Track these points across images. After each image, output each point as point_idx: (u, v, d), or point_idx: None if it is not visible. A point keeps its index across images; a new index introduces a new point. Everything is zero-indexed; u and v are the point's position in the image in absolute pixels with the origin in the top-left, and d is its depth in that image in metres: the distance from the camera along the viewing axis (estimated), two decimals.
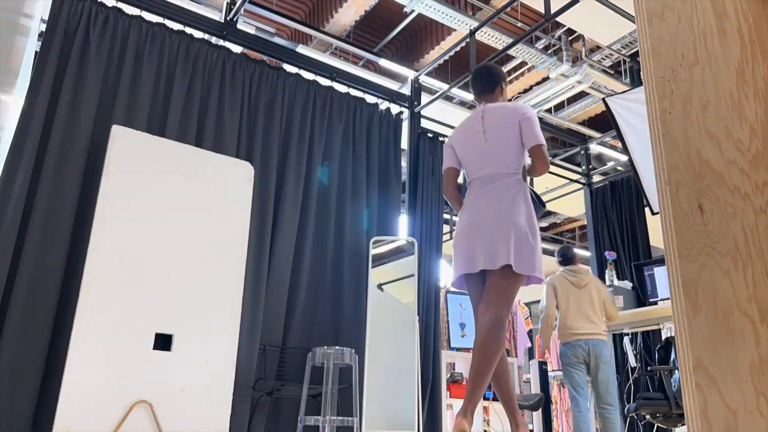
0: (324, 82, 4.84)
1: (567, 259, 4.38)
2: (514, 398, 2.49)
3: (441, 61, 6.35)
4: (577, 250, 12.50)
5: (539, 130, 2.60)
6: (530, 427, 6.52)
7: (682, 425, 4.23)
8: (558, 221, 11.11)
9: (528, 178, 2.64)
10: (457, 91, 5.80)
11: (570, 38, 6.57)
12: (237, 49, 4.47)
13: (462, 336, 5.84)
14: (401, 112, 5.29)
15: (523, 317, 6.51)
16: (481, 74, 2.79)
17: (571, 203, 8.76)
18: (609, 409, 3.91)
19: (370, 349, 4.12)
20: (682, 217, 0.89)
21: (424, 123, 5.55)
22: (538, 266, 2.44)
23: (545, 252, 12.02)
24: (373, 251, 4.36)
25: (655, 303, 4.75)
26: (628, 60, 6.66)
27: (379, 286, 4.52)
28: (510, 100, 7.76)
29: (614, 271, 5.06)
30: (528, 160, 2.63)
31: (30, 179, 3.34)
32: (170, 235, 3.26)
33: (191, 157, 3.44)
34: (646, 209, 5.88)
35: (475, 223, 2.52)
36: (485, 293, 2.47)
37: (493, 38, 6.19)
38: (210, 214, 3.42)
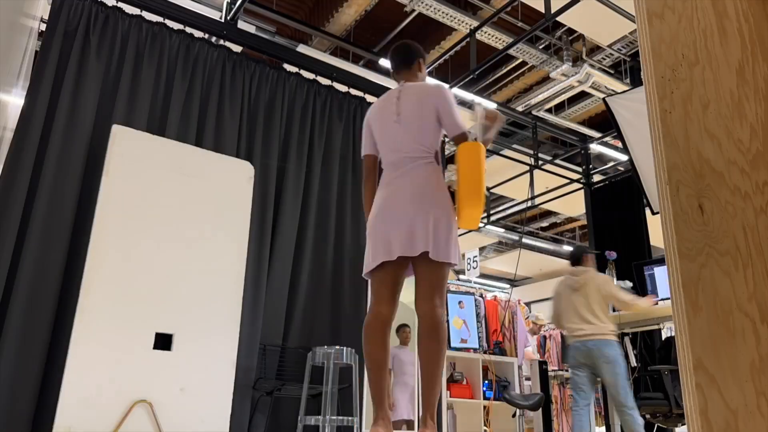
0: (324, 81, 4.84)
1: (572, 260, 4.32)
2: (434, 394, 2.28)
3: (441, 61, 6.35)
4: None
5: (458, 115, 2.48)
6: (530, 426, 6.51)
7: (682, 425, 4.23)
8: (558, 221, 11.11)
9: (441, 161, 2.54)
10: (457, 91, 5.80)
11: (570, 38, 6.57)
12: (237, 48, 4.47)
13: (462, 341, 5.85)
14: None
15: (523, 317, 6.51)
16: (398, 49, 2.68)
17: (571, 203, 8.76)
18: (624, 410, 3.80)
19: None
20: (682, 216, 0.89)
21: None
22: (453, 253, 2.34)
23: (545, 252, 12.03)
24: None
25: (655, 303, 4.74)
26: (628, 60, 6.66)
27: None
28: (509, 101, 7.75)
29: (614, 271, 5.06)
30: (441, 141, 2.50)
31: (30, 179, 3.34)
32: (170, 234, 3.26)
33: (191, 157, 3.44)
34: (646, 209, 5.87)
35: (390, 209, 2.39)
36: (418, 288, 2.36)
37: (493, 38, 6.19)
38: (210, 213, 3.42)
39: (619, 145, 7.07)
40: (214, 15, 4.76)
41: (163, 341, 3.12)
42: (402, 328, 4.63)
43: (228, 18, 4.46)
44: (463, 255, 11.05)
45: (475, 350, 5.78)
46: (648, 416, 4.17)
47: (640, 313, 4.55)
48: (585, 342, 3.95)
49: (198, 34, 4.34)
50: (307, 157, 4.51)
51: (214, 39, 4.40)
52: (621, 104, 4.72)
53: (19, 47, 3.59)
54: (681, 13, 0.98)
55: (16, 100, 3.65)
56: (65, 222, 3.37)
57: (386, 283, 2.41)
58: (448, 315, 5.81)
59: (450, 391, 5.46)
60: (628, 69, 6.88)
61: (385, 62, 6.14)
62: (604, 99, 4.77)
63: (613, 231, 6.13)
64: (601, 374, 3.92)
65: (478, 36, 6.00)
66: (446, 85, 2.51)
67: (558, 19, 4.75)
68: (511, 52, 6.50)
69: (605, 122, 7.98)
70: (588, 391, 4.04)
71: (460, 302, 5.98)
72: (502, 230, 10.55)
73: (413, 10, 6.08)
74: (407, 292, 4.71)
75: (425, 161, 2.46)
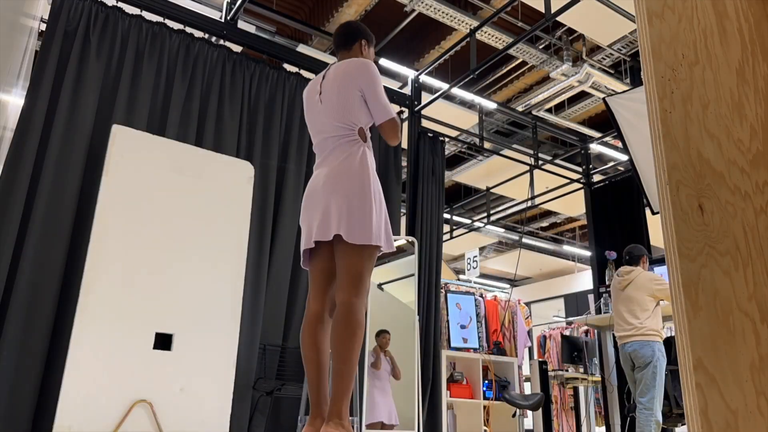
0: None
1: (627, 259, 4.24)
2: (340, 388, 2.06)
3: (441, 61, 6.35)
4: (577, 250, 12.35)
5: (384, 97, 2.29)
6: (530, 427, 6.51)
7: (682, 425, 4.23)
8: (558, 221, 11.11)
9: (368, 138, 2.35)
10: (457, 91, 5.80)
11: (570, 38, 6.57)
12: (237, 48, 4.47)
13: (462, 340, 5.84)
14: (402, 112, 5.29)
15: (523, 317, 6.51)
16: (338, 29, 2.52)
17: (571, 203, 8.76)
18: (639, 407, 3.79)
19: (370, 349, 4.12)
20: (682, 216, 0.89)
21: (425, 123, 5.55)
22: (375, 233, 2.13)
23: (545, 252, 12.03)
24: None
25: None
26: (628, 59, 6.66)
27: (379, 286, 4.53)
28: (509, 101, 7.74)
29: (614, 271, 5.06)
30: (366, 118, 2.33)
31: (30, 179, 3.34)
32: (170, 234, 3.26)
33: (191, 157, 3.44)
34: (646, 209, 5.87)
35: (309, 196, 2.27)
36: (337, 276, 2.18)
37: (493, 38, 6.19)
38: (210, 213, 3.42)
39: (619, 145, 7.07)
40: (214, 15, 4.76)
41: (163, 341, 3.12)
42: (381, 334, 4.65)
43: (228, 18, 4.46)
44: (463, 255, 11.04)
45: (475, 350, 5.78)
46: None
47: None
48: (623, 345, 3.94)
49: (198, 34, 4.34)
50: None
51: (214, 39, 4.40)
52: (621, 104, 4.71)
53: (19, 47, 3.59)
54: (681, 13, 0.98)
55: (16, 100, 3.64)
56: (65, 222, 3.37)
57: (314, 278, 2.26)
58: (447, 315, 5.81)
59: (450, 391, 5.46)
60: (628, 69, 6.88)
61: (384, 62, 6.14)
62: (604, 99, 4.77)
63: (613, 231, 6.12)
64: (637, 374, 3.88)
65: (478, 36, 6.00)
66: (370, 62, 2.32)
67: (558, 18, 4.75)
68: (511, 52, 6.49)
69: (605, 122, 7.98)
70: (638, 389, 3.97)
71: (457, 303, 5.98)
72: (502, 230, 10.55)
73: (413, 10, 6.08)
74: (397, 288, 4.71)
75: (346, 139, 2.28)
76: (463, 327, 5.87)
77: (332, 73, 2.37)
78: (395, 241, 4.49)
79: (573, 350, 5.89)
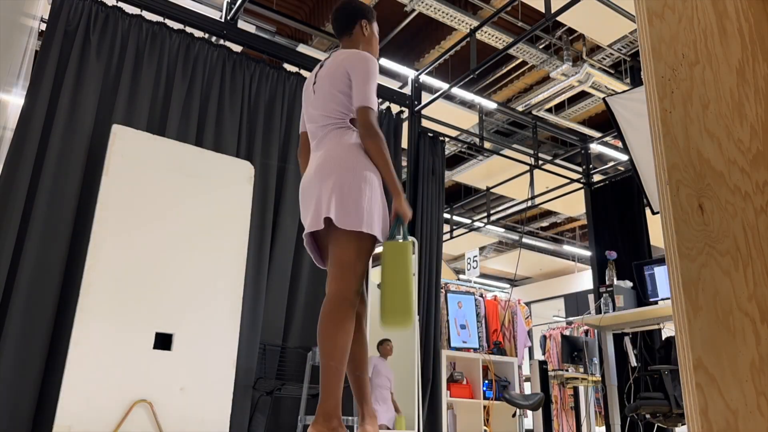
0: None
1: None
2: (364, 387, 2.06)
3: (441, 61, 6.35)
4: (577, 250, 12.39)
5: (369, 84, 2.12)
6: (530, 427, 6.51)
7: (682, 425, 4.23)
8: (558, 221, 11.11)
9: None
10: (457, 91, 5.80)
11: (570, 38, 6.56)
12: (237, 48, 4.47)
13: (461, 339, 5.84)
14: (402, 112, 5.28)
15: (523, 317, 6.51)
16: (336, 13, 2.35)
17: (571, 203, 8.76)
18: None
19: (370, 349, 4.12)
20: (682, 216, 0.89)
21: (425, 122, 5.55)
22: (366, 220, 1.97)
23: (545, 252, 12.03)
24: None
25: (656, 303, 4.74)
26: (628, 59, 6.66)
27: (379, 286, 4.52)
28: (509, 101, 7.75)
29: (614, 271, 5.06)
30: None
31: (30, 179, 3.34)
32: (170, 234, 3.26)
33: (191, 157, 3.44)
34: (647, 209, 5.87)
35: (302, 187, 2.16)
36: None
37: (493, 38, 6.19)
38: (210, 213, 3.42)
39: (619, 145, 7.07)
40: (214, 15, 4.76)
41: (163, 341, 3.12)
42: (384, 343, 4.65)
43: (228, 18, 4.46)
44: (463, 255, 11.04)
45: (475, 350, 5.78)
46: (648, 416, 4.17)
47: (639, 313, 4.54)
48: None
49: (198, 33, 4.34)
50: None
51: (214, 39, 4.40)
52: (621, 104, 4.71)
53: (19, 47, 3.58)
54: (681, 13, 0.98)
55: (16, 100, 3.64)
56: (65, 222, 3.37)
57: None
58: (447, 315, 5.80)
59: (450, 391, 5.46)
60: (628, 69, 6.88)
61: (384, 62, 6.14)
62: (604, 99, 4.77)
63: (613, 231, 6.12)
64: None
65: (478, 36, 6.00)
66: (369, 56, 2.19)
67: (558, 18, 4.75)
68: (511, 51, 6.49)
69: (605, 122, 7.98)
70: None
71: (459, 302, 5.98)
72: (502, 230, 10.55)
73: (413, 10, 6.08)
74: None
75: (337, 126, 2.16)
76: (462, 327, 5.87)
77: (329, 62, 2.25)
78: None
79: (573, 350, 5.89)
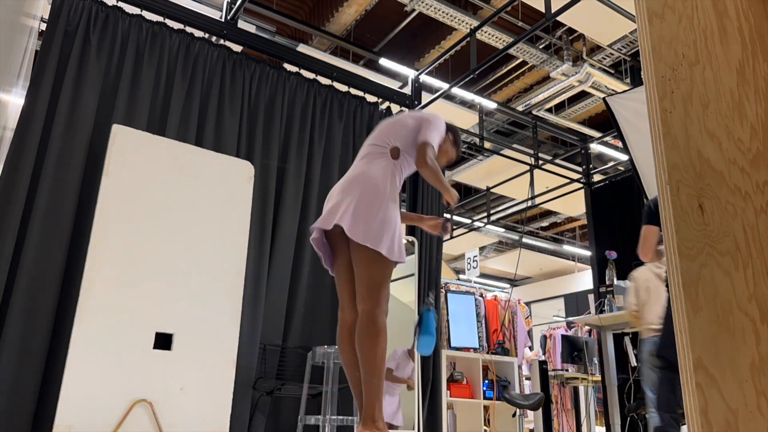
0: (324, 81, 4.84)
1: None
2: (369, 395, 2.16)
3: (441, 61, 6.35)
4: (577, 250, 12.38)
5: (436, 136, 2.41)
6: (530, 427, 6.51)
7: (682, 425, 4.22)
8: (558, 221, 11.11)
9: (400, 158, 2.40)
10: (457, 91, 5.80)
11: (571, 38, 6.57)
12: (237, 48, 4.47)
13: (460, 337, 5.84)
14: (402, 112, 5.29)
15: (523, 317, 6.51)
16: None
17: (571, 203, 8.76)
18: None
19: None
20: (682, 216, 0.89)
21: None
22: (376, 237, 2.13)
23: (545, 252, 12.03)
24: None
25: None
26: (628, 59, 6.66)
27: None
28: (509, 101, 7.76)
29: (614, 271, 5.06)
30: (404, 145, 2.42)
31: (30, 179, 3.34)
32: (170, 234, 3.26)
33: (191, 157, 3.44)
34: None
35: (329, 196, 2.36)
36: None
37: (493, 37, 6.19)
38: (210, 213, 3.42)
39: (619, 145, 7.07)
40: (214, 15, 4.76)
41: (163, 341, 3.12)
42: None
43: (228, 18, 4.46)
44: (463, 255, 11.04)
45: (475, 350, 5.78)
46: (648, 416, 4.17)
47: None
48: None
49: (198, 33, 4.34)
50: (307, 157, 4.51)
51: (214, 39, 4.40)
52: (621, 104, 4.72)
53: (19, 47, 3.58)
54: (681, 13, 0.98)
55: (16, 100, 3.64)
56: (65, 222, 3.37)
57: (341, 287, 2.34)
58: (447, 315, 5.80)
59: (450, 390, 5.46)
60: (628, 69, 6.88)
61: (384, 62, 6.14)
62: (604, 99, 4.77)
63: (613, 231, 6.12)
64: None
65: (478, 36, 6.00)
66: (438, 115, 2.52)
67: (558, 18, 4.75)
68: (511, 51, 6.50)
69: (605, 122, 7.98)
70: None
71: (459, 303, 5.98)
72: (502, 230, 10.55)
73: (413, 10, 6.08)
74: (407, 292, 4.71)
75: (377, 150, 2.38)
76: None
77: None
78: None
79: (573, 350, 5.89)
